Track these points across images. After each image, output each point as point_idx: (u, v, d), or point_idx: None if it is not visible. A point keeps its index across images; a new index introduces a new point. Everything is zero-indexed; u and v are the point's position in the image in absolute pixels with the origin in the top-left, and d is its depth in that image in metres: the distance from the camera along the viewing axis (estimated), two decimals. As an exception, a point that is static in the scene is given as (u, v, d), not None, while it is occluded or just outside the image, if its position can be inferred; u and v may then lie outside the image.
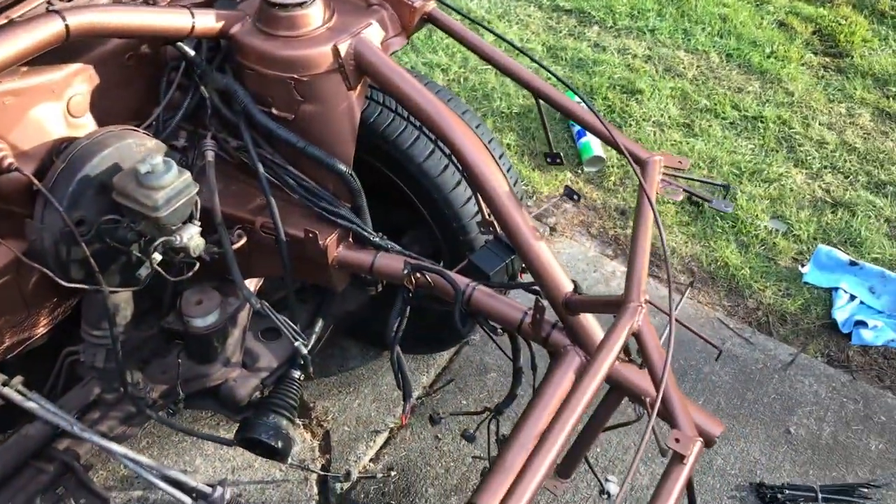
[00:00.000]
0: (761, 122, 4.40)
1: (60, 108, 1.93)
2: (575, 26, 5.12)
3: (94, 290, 1.90)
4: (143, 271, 1.99)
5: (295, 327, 2.12)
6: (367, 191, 2.24)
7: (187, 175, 1.83)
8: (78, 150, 1.85)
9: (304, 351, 2.16)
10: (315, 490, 2.73)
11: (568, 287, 1.97)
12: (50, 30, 1.70)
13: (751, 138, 4.31)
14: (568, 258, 3.62)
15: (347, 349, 3.15)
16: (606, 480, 2.38)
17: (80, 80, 1.95)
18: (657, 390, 1.48)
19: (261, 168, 2.10)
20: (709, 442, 1.83)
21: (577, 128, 4.18)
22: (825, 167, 4.15)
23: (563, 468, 2.15)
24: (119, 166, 1.86)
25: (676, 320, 1.56)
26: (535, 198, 3.89)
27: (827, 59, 4.94)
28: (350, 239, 2.22)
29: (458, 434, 2.84)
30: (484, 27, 2.31)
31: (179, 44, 2.04)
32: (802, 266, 3.65)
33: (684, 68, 4.78)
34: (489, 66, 4.61)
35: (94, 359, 2.16)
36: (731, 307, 3.50)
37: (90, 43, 1.97)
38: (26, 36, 1.69)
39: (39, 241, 1.85)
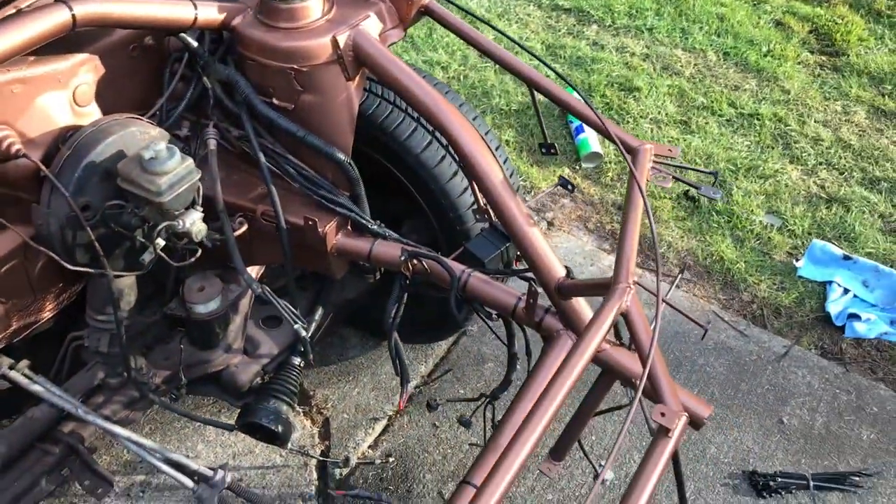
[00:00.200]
0: (757, 119, 4.45)
1: (66, 96, 1.97)
2: (574, 25, 5.18)
3: (99, 273, 1.95)
4: (147, 256, 2.03)
5: (295, 311, 2.16)
6: (366, 181, 2.28)
7: (190, 161, 1.87)
8: (84, 138, 1.90)
9: (304, 334, 2.20)
10: (314, 475, 2.77)
11: (560, 272, 2.02)
12: (57, 19, 1.75)
13: (747, 135, 4.36)
14: (565, 252, 3.67)
15: (347, 339, 3.20)
16: (601, 466, 2.42)
17: (85, 70, 2.00)
18: (643, 367, 1.53)
19: (262, 157, 2.14)
20: (697, 423, 1.87)
21: (575, 124, 4.23)
22: (820, 163, 4.20)
23: (557, 451, 2.20)
24: (123, 153, 1.91)
25: (664, 300, 1.61)
26: (532, 192, 3.94)
27: (823, 58, 4.99)
28: (349, 227, 2.26)
29: (456, 421, 2.89)
30: (480, 20, 2.36)
31: (182, 35, 2.09)
32: (797, 260, 3.70)
33: (682, 66, 4.83)
34: (489, 64, 4.70)
35: (99, 343, 2.20)
36: (726, 300, 3.54)
37: (96, 34, 2.02)
38: (34, 25, 1.74)
39: (46, 225, 1.89)
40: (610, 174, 4.08)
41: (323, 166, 2.21)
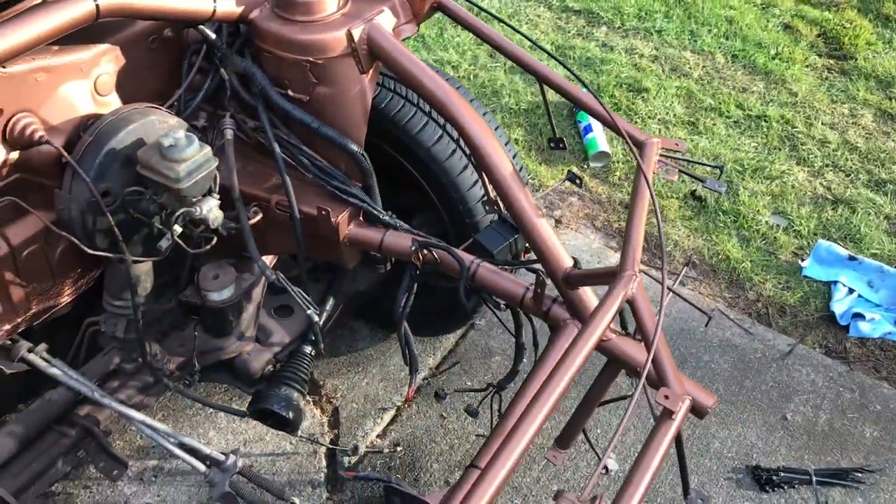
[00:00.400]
0: (765, 121, 4.48)
1: (88, 86, 2.02)
2: (583, 26, 5.22)
3: (118, 259, 2.00)
4: (164, 243, 2.07)
5: (308, 298, 2.21)
6: (378, 174, 2.32)
7: (208, 149, 1.92)
8: (105, 125, 1.95)
9: (317, 319, 2.24)
10: (324, 463, 2.82)
11: (568, 263, 2.06)
12: (82, 9, 1.79)
13: (754, 136, 4.40)
14: (572, 250, 3.70)
15: (357, 331, 3.25)
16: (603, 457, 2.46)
17: (107, 61, 2.05)
18: (647, 352, 1.57)
19: (277, 148, 2.19)
20: (701, 412, 1.91)
21: (583, 124, 4.28)
22: (827, 165, 4.24)
23: (563, 439, 2.23)
24: (143, 141, 1.96)
25: (669, 288, 1.65)
26: (541, 190, 3.98)
27: (831, 62, 5.02)
28: (361, 217, 2.30)
29: (462, 412, 2.93)
30: (493, 16, 2.40)
31: (201, 27, 2.14)
32: (802, 260, 3.73)
33: (690, 68, 4.87)
34: (498, 64, 4.75)
35: (115, 329, 2.25)
36: (731, 298, 3.58)
37: (117, 25, 2.07)
38: (59, 15, 1.78)
39: (67, 210, 1.95)
40: (617, 173, 4.12)
41: (336, 157, 2.25)
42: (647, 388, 1.91)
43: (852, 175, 4.19)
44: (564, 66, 2.15)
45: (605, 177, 4.12)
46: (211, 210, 1.97)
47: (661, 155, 2.11)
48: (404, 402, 3.02)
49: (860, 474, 2.91)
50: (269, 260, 2.50)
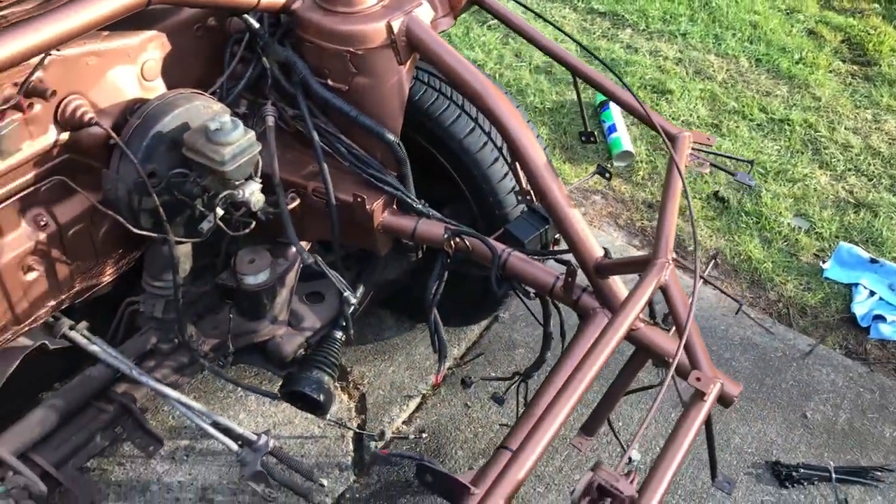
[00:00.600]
0: (788, 124, 4.51)
1: (135, 71, 2.09)
2: (608, 28, 5.26)
3: (161, 238, 2.06)
4: (206, 224, 2.13)
5: (343, 280, 2.26)
6: (411, 165, 2.37)
7: (252, 134, 1.97)
8: (152, 109, 2.01)
9: (354, 300, 2.29)
10: (351, 447, 2.88)
11: (599, 252, 2.10)
12: (133, -4, 1.86)
13: (777, 140, 4.42)
14: (595, 247, 3.75)
15: (384, 320, 3.30)
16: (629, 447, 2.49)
17: (153, 47, 2.11)
18: (680, 338, 1.61)
19: (315, 136, 2.25)
20: (727, 401, 1.95)
21: (608, 123, 4.31)
22: (849, 169, 4.26)
23: (588, 427, 2.28)
24: (188, 125, 2.01)
25: (700, 276, 1.69)
26: (567, 186, 4.02)
27: (855, 67, 5.04)
28: (394, 205, 2.36)
29: (487, 402, 2.98)
30: (532, 11, 2.45)
31: (245, 16, 2.20)
32: (823, 262, 3.76)
33: (714, 71, 4.90)
34: (523, 63, 4.80)
35: (154, 309, 2.30)
36: (752, 298, 3.61)
37: (164, 13, 2.13)
38: (112, 1, 1.85)
39: (114, 190, 2.01)
40: (641, 173, 4.16)
41: (373, 146, 2.31)
42: (675, 378, 1.95)
43: (874, 179, 4.21)
44: (600, 61, 2.20)
45: (629, 176, 4.16)
46: (253, 193, 2.02)
47: (693, 149, 2.16)
48: (431, 389, 3.07)
49: (879, 473, 2.94)
50: (304, 245, 2.56)
